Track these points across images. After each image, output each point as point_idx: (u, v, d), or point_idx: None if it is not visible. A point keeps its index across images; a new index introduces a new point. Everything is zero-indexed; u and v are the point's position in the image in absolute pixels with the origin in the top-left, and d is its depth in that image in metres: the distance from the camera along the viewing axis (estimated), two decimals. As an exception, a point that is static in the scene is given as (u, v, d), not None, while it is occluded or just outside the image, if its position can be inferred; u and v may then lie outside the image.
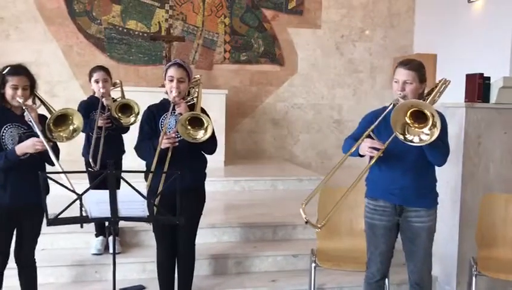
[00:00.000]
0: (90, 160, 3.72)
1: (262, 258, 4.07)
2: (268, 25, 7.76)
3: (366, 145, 2.59)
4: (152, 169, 2.83)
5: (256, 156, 7.81)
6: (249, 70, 7.77)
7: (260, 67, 7.80)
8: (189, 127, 2.92)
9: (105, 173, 2.02)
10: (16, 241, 2.87)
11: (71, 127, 2.76)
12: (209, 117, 3.06)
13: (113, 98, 3.98)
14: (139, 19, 7.32)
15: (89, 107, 3.89)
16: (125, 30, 7.29)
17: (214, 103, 6.31)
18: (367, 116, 2.92)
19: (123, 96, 4.12)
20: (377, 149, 2.56)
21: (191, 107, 3.11)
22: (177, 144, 2.93)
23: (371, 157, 2.67)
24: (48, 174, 2.01)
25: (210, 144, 3.05)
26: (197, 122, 2.94)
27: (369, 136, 2.62)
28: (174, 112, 3.05)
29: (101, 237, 3.97)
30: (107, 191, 2.03)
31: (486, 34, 6.36)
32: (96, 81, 3.85)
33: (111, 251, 3.85)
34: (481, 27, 6.52)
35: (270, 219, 4.54)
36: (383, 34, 8.14)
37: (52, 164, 2.76)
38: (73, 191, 2.03)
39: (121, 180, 2.26)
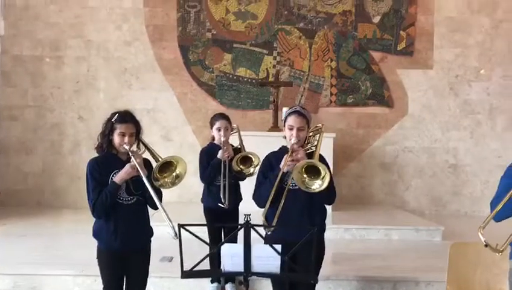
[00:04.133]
0: (224, 203, 3.75)
1: (384, 317, 3.78)
2: (377, 66, 7.60)
3: None
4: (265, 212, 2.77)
5: (364, 202, 7.50)
6: (355, 113, 7.60)
7: (367, 109, 7.61)
8: (305, 176, 2.81)
9: (242, 226, 1.98)
10: (127, 285, 2.90)
11: (174, 173, 2.76)
12: (328, 167, 2.95)
13: (232, 145, 4.03)
14: (248, 66, 7.57)
15: (210, 155, 3.97)
16: (235, 77, 7.57)
17: (321, 148, 6.20)
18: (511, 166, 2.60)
19: (241, 142, 4.17)
20: None
21: (310, 156, 3.02)
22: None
23: None
24: (185, 226, 2.02)
25: (329, 194, 2.93)
26: (314, 171, 2.82)
27: None
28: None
29: (216, 284, 3.95)
30: (241, 245, 1.99)
31: None
32: (218, 129, 3.93)
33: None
34: None
35: (389, 273, 4.24)
36: (503, 72, 7.56)
37: (155, 208, 2.77)
38: (208, 244, 2.01)
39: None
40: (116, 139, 2.75)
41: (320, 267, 3.13)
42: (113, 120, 2.77)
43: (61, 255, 4.69)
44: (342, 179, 7.40)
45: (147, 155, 2.93)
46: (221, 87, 7.56)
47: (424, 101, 7.58)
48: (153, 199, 2.64)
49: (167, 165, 2.76)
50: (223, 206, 3.70)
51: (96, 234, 2.84)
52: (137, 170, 2.62)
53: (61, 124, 7.49)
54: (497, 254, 2.27)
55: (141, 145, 2.94)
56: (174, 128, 7.49)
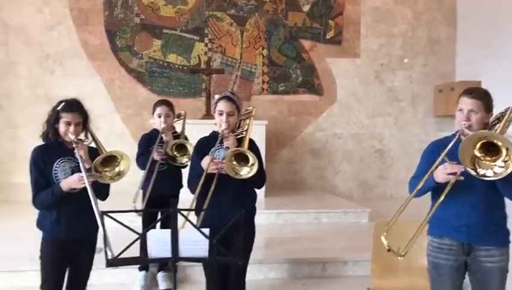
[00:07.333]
0: (145, 195, 3.71)
1: (313, 297, 3.90)
2: (307, 55, 7.74)
3: (443, 172, 2.41)
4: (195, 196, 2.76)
5: (296, 187, 7.66)
6: (287, 101, 7.72)
7: (298, 97, 7.74)
8: (234, 163, 2.84)
9: (168, 212, 1.94)
10: (69, 278, 2.82)
11: (117, 169, 2.73)
12: (259, 151, 2.98)
13: (174, 132, 3.98)
14: (179, 53, 7.43)
15: (150, 141, 3.89)
16: (165, 64, 7.40)
17: (253, 134, 6.22)
18: (427, 148, 2.75)
19: (183, 129, 4.12)
20: (454, 173, 2.38)
21: (240, 140, 3.04)
22: (223, 171, 2.84)
23: (435, 192, 2.51)
24: (108, 213, 1.95)
25: (258, 179, 2.97)
26: (243, 158, 2.86)
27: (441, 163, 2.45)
28: (222, 146, 2.99)
29: (143, 272, 3.90)
30: (169, 230, 1.95)
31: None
32: (159, 116, 3.86)
33: (160, 287, 3.83)
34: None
35: (318, 255, 4.38)
36: (424, 61, 7.99)
37: (103, 199, 2.76)
38: (134, 231, 1.96)
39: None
40: (62, 128, 2.69)
41: (251, 249, 3.15)
42: (58, 109, 2.71)
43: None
44: (275, 165, 7.51)
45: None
46: (152, 74, 7.37)
47: (352, 89, 7.83)
48: (99, 189, 2.64)
49: (111, 159, 2.72)
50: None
51: (39, 224, 2.76)
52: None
53: (-23, 113, 6.98)
54: (399, 258, 2.41)
55: (89, 135, 2.88)
56: (102, 116, 7.18)
